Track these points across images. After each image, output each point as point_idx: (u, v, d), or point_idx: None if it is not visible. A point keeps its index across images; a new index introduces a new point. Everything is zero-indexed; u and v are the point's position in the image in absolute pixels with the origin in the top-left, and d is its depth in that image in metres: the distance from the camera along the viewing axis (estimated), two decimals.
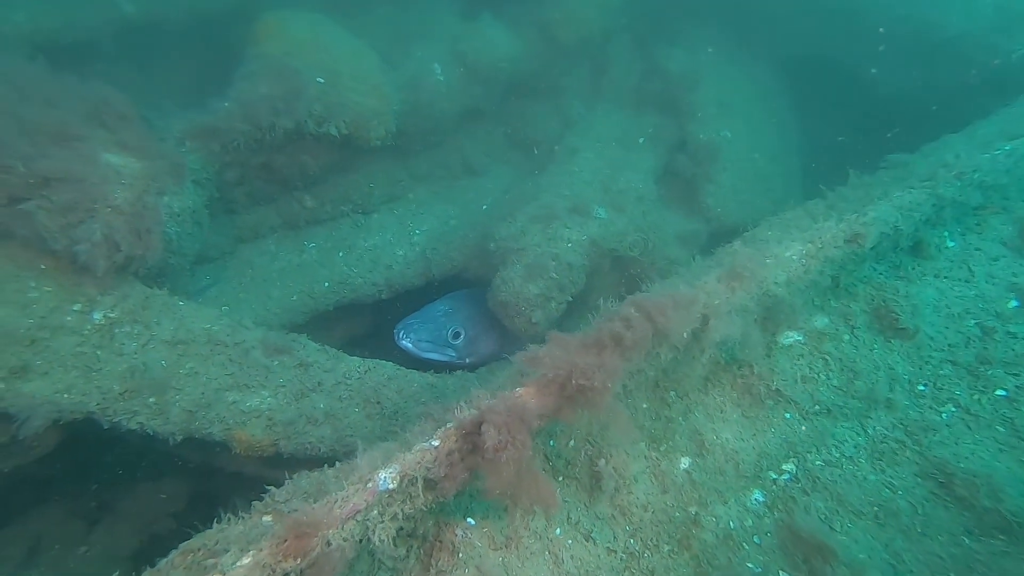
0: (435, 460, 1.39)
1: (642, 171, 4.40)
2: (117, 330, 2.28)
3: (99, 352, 2.20)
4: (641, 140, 4.75)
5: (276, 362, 2.65)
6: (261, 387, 2.56)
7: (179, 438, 2.33)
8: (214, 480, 3.09)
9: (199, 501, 3.25)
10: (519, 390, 1.50)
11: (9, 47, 2.85)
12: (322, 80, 3.14)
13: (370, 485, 1.37)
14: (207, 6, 3.45)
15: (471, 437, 1.40)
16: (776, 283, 1.82)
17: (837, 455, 1.83)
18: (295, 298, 3.99)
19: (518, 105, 5.24)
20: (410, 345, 3.83)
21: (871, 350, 2.03)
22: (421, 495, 1.42)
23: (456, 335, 3.96)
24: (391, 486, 1.38)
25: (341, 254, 4.32)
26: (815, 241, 1.88)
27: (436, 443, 1.41)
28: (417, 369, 3.31)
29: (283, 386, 2.62)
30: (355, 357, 3.02)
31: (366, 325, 4.92)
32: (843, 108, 4.93)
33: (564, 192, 4.05)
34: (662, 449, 1.81)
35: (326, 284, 4.13)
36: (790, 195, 4.80)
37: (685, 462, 1.81)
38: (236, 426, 2.44)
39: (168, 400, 2.29)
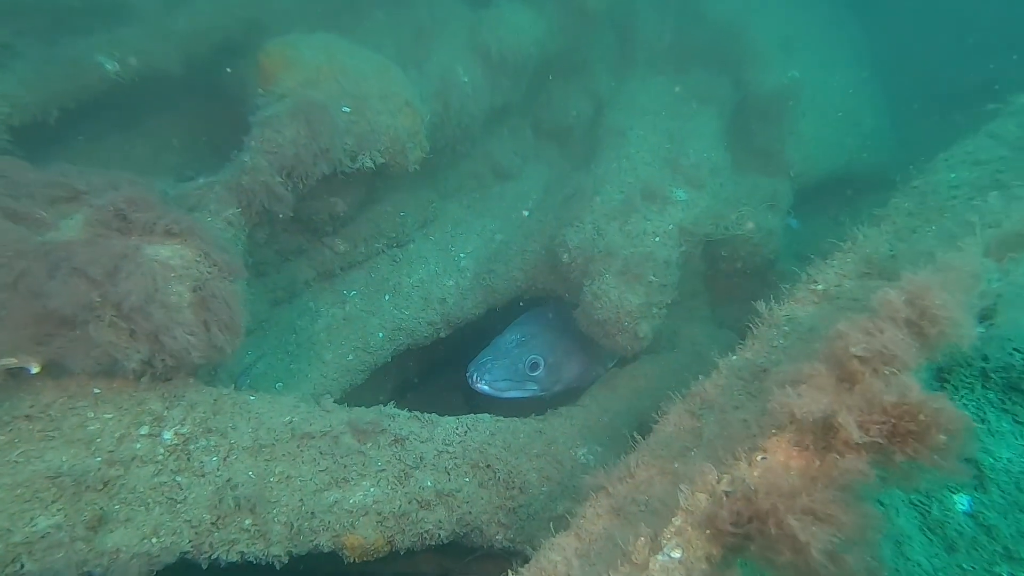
0: None
1: (707, 137, 4.12)
2: (193, 447, 2.06)
3: (179, 478, 1.99)
4: (694, 104, 4.45)
5: (370, 444, 2.42)
6: (361, 478, 2.33)
7: (285, 560, 2.11)
8: None
9: None
10: (781, 454, 1.18)
11: None
12: (348, 109, 2.91)
13: None
14: (197, 47, 3.22)
15: (724, 536, 1.12)
16: None
17: None
18: (351, 357, 3.78)
19: (541, 91, 4.98)
20: (487, 388, 3.59)
21: None
22: None
23: (534, 366, 3.72)
24: None
25: (388, 297, 4.11)
26: None
27: (677, 554, 1.13)
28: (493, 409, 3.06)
29: (383, 471, 2.39)
30: (448, 417, 2.78)
31: (419, 365, 4.72)
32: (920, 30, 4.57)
33: (627, 179, 3.78)
34: (924, 487, 1.52)
35: (380, 334, 3.92)
36: (881, 128, 4.47)
37: (963, 502, 1.52)
38: (344, 531, 2.22)
39: (266, 518, 2.07)
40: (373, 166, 3.13)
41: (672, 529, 1.16)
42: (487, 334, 4.03)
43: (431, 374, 4.90)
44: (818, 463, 1.11)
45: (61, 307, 1.57)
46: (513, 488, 2.62)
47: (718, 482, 1.17)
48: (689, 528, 1.15)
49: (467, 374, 3.68)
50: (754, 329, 1.90)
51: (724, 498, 1.13)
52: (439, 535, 2.41)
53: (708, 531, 1.12)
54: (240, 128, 3.00)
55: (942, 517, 1.49)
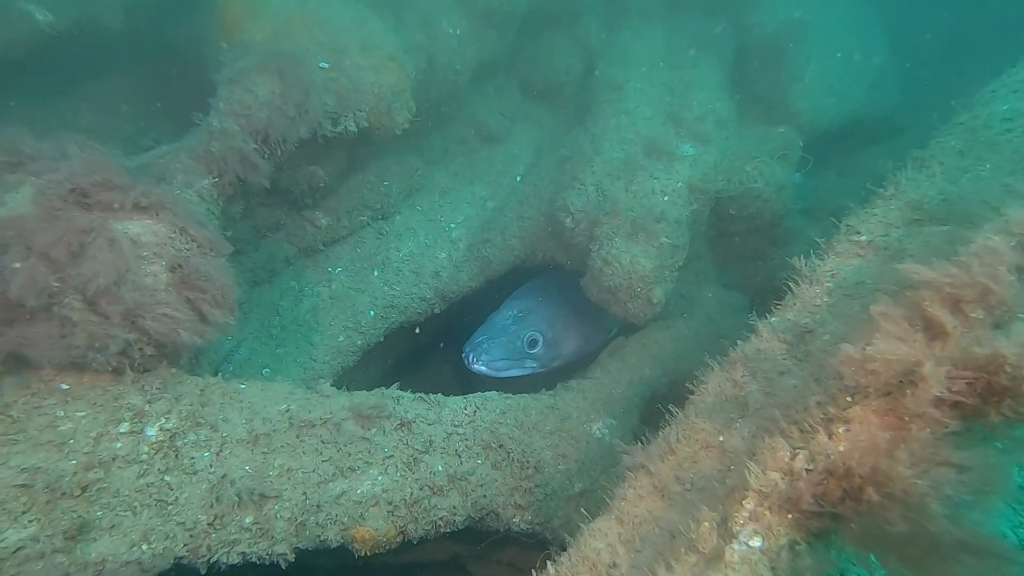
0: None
1: (710, 88, 3.96)
2: (180, 442, 1.90)
3: (168, 478, 1.84)
4: (692, 52, 4.27)
5: (374, 430, 2.29)
6: (368, 466, 2.21)
7: (292, 558, 1.99)
8: None
9: None
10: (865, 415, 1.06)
11: None
12: (326, 64, 2.67)
13: None
14: None
15: (809, 520, 1.01)
16: None
17: None
18: (341, 338, 3.62)
19: (527, 45, 4.74)
20: (485, 369, 3.47)
21: None
22: None
23: (533, 342, 3.60)
24: None
25: (376, 273, 3.94)
26: None
27: (757, 543, 1.02)
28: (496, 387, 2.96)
29: (391, 457, 2.27)
30: (455, 397, 2.66)
31: (407, 343, 4.58)
32: None
33: (628, 136, 3.62)
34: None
35: (371, 312, 3.75)
36: (886, 77, 4.35)
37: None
38: (353, 523, 2.10)
39: (268, 515, 1.94)
40: (356, 130, 2.91)
41: (745, 514, 1.05)
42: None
43: (425, 351, 4.77)
44: (908, 428, 1.01)
45: (17, 294, 1.38)
46: (528, 468, 2.53)
47: (793, 458, 1.07)
48: (767, 512, 1.04)
49: (463, 355, 3.55)
50: (793, 287, 1.79)
51: (805, 475, 1.02)
52: (454, 521, 2.31)
53: (791, 515, 1.01)
54: (198, 92, 2.74)
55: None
